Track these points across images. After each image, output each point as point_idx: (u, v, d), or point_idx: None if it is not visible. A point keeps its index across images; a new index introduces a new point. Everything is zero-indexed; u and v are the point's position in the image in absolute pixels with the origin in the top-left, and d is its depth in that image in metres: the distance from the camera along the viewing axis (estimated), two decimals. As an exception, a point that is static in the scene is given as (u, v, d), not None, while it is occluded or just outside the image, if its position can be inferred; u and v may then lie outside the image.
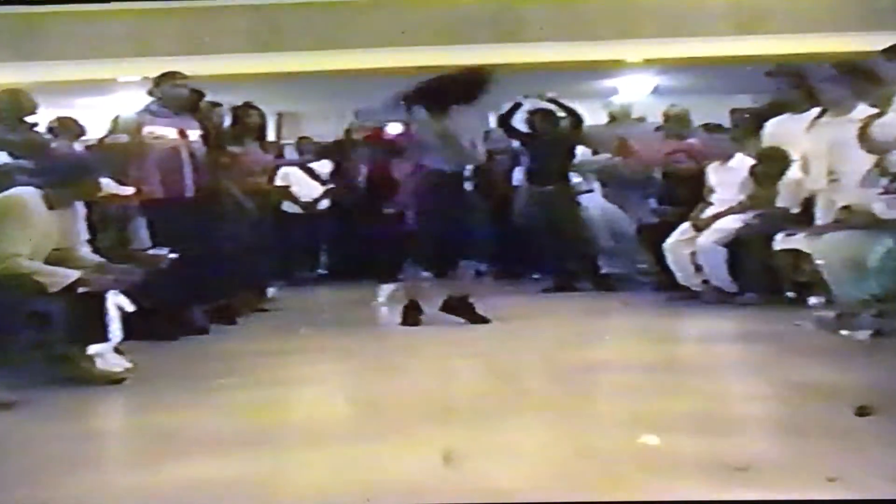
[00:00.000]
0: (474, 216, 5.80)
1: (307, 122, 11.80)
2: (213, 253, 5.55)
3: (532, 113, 7.64)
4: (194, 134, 5.67)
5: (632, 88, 10.49)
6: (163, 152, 5.48)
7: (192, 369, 4.60)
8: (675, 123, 7.38)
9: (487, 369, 4.44)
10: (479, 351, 4.92)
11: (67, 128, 6.73)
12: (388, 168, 8.62)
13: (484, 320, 5.59)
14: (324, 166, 8.66)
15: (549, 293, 7.32)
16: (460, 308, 5.62)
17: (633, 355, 4.70)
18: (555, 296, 7.18)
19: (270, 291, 7.06)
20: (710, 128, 7.22)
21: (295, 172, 8.25)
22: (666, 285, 6.62)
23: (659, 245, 6.49)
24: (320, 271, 8.85)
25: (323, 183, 8.49)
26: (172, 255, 4.88)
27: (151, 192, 5.40)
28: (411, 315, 5.66)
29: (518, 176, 8.14)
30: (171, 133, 5.53)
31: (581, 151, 7.68)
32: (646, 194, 7.51)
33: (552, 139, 7.50)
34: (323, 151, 8.89)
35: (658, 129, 7.63)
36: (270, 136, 8.85)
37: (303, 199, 8.26)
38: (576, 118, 7.54)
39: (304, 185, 8.29)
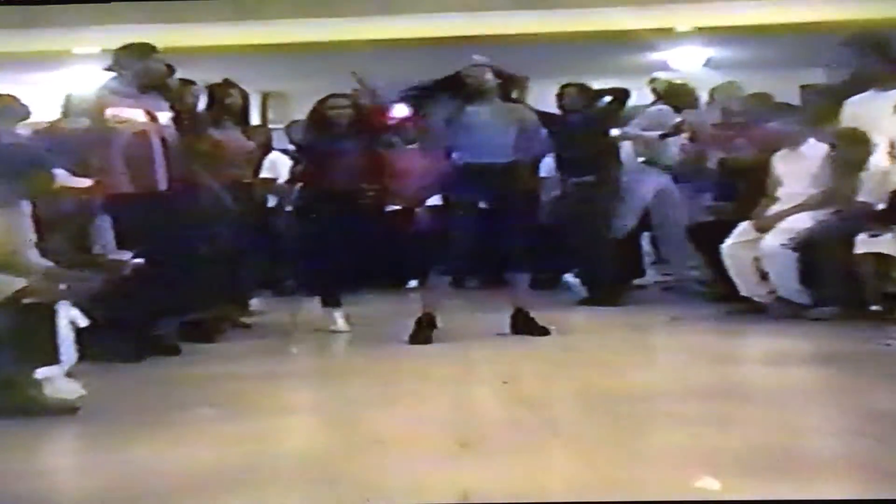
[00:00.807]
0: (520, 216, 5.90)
1: (297, 103, 11.78)
2: (187, 258, 5.59)
3: (565, 87, 7.60)
4: (164, 117, 5.67)
5: (682, 62, 10.44)
6: (129, 139, 5.49)
7: (159, 397, 4.60)
8: (725, 103, 7.39)
9: (512, 397, 4.44)
10: (501, 374, 4.95)
11: (8, 108, 6.67)
12: (392, 157, 8.63)
13: (544, 331, 5.81)
14: None
15: (586, 305, 7.32)
16: (526, 325, 5.82)
17: (684, 381, 4.68)
18: (592, 309, 7.19)
19: (254, 303, 7.10)
20: (777, 107, 7.24)
21: (284, 162, 8.25)
22: (723, 296, 6.63)
23: (715, 248, 6.47)
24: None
25: None
26: (137, 261, 4.90)
27: (117, 185, 5.41)
28: (423, 332, 5.69)
29: (547, 166, 8.19)
30: (138, 116, 5.53)
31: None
32: (698, 188, 7.52)
33: (587, 120, 7.47)
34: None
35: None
36: (254, 119, 8.75)
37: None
38: (619, 94, 7.50)
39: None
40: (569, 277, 8.02)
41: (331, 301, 6.33)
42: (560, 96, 7.61)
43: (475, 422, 4.09)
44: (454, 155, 5.76)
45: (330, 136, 6.39)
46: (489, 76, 5.88)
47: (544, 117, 7.48)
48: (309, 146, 6.70)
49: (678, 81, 8.32)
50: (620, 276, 7.54)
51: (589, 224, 7.38)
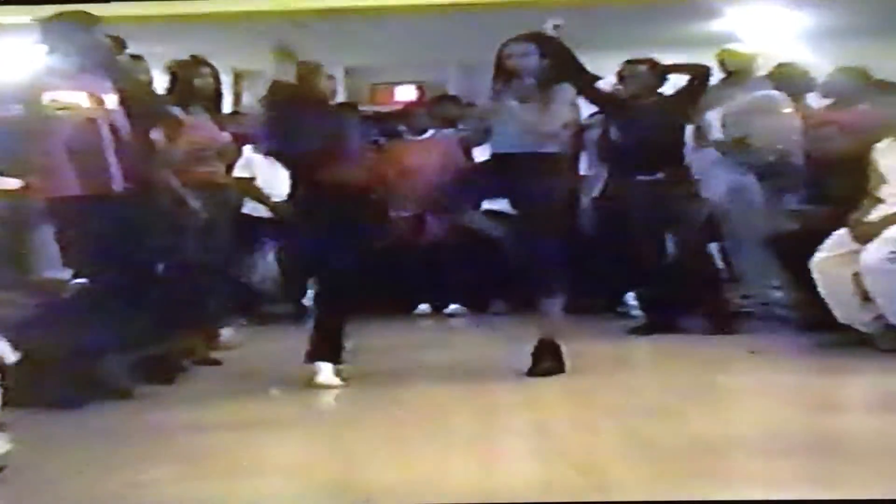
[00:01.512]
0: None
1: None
2: (142, 277, 5.61)
3: (630, 64, 7.59)
4: (111, 101, 5.67)
5: (756, 30, 10.32)
6: (74, 129, 5.51)
7: (105, 453, 4.56)
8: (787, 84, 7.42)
9: (549, 449, 4.43)
10: (534, 420, 4.94)
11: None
12: (398, 151, 8.61)
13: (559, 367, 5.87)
14: None
15: (641, 334, 7.30)
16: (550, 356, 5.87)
17: (768, 432, 4.60)
18: (649, 339, 7.19)
19: (226, 334, 7.12)
20: (878, 86, 7.22)
21: (263, 158, 8.24)
22: (815, 323, 6.63)
23: (802, 263, 6.41)
24: (303, 302, 8.85)
25: None
26: (80, 281, 5.01)
27: (60, 186, 5.44)
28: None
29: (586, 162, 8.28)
30: (82, 100, 5.55)
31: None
32: (778, 187, 7.49)
33: (658, 104, 7.46)
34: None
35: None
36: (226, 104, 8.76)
37: (274, 198, 8.27)
38: (698, 72, 7.45)
39: (275, 177, 8.16)
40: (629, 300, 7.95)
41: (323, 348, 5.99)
42: (623, 76, 7.59)
43: (501, 480, 4.06)
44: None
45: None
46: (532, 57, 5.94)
47: (603, 101, 7.56)
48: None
49: (749, 54, 8.27)
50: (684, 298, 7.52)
51: (656, 233, 7.36)
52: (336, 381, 5.77)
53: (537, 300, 6.00)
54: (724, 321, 7.22)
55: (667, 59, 7.71)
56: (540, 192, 5.83)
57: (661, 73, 7.58)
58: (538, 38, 6.05)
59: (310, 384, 5.75)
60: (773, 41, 10.16)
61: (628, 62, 7.58)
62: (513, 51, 5.99)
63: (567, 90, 6.04)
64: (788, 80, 7.79)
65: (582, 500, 3.30)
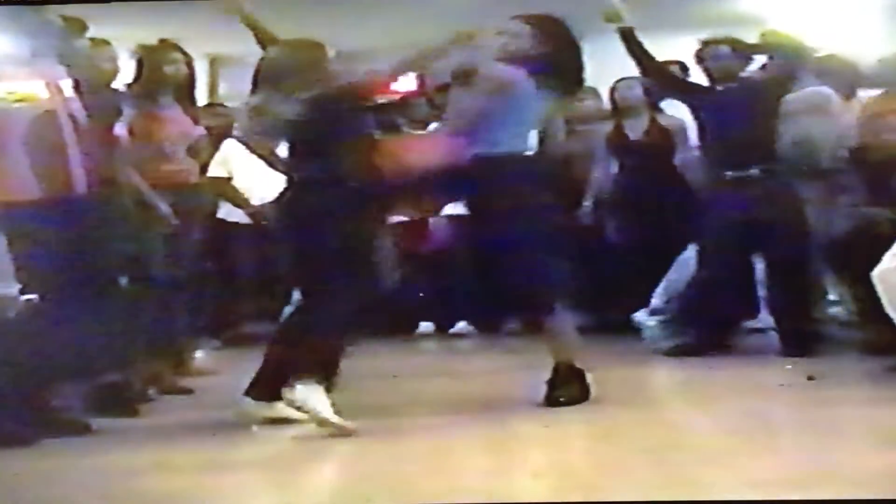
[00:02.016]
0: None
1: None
2: (102, 292, 5.55)
3: (709, 44, 7.60)
4: (67, 88, 5.66)
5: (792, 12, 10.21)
6: (32, 122, 5.50)
7: (58, 497, 4.52)
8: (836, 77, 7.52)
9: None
10: (551, 462, 4.90)
11: None
12: (395, 146, 8.58)
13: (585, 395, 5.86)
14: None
15: (682, 356, 7.29)
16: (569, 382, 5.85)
17: (837, 476, 4.47)
18: (687, 362, 7.18)
19: (198, 358, 7.19)
20: None
21: (242, 155, 8.45)
22: (881, 345, 6.56)
23: (863, 275, 6.27)
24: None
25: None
26: (29, 297, 5.08)
27: (16, 188, 5.43)
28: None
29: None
30: (40, 90, 5.55)
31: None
32: (832, 187, 7.50)
33: (746, 90, 7.44)
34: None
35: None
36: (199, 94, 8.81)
37: (255, 201, 8.39)
38: (792, 52, 7.45)
39: (256, 177, 8.39)
40: (641, 317, 7.83)
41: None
42: (702, 58, 7.61)
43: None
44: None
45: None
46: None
47: (682, 88, 7.68)
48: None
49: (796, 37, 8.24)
50: (727, 314, 7.57)
51: (745, 240, 7.34)
52: (336, 417, 5.38)
53: (537, 320, 5.99)
54: (803, 343, 7.19)
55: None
56: (493, 195, 5.79)
57: (747, 54, 7.60)
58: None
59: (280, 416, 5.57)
60: (812, 26, 10.14)
61: (706, 42, 7.59)
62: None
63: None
64: (837, 73, 7.82)
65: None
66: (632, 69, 8.01)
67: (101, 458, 5.15)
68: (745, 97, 7.36)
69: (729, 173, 7.35)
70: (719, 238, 7.35)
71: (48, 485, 4.73)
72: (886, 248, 6.20)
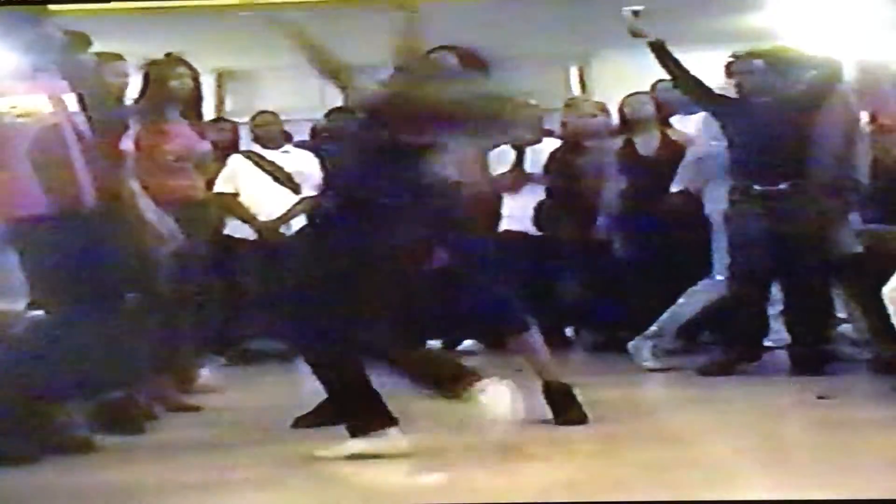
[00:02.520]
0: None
1: (267, 87, 11.74)
2: (107, 309, 5.50)
3: (739, 58, 7.65)
4: (71, 102, 5.61)
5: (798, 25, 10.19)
6: (38, 137, 5.45)
7: None
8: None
9: None
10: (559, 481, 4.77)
11: None
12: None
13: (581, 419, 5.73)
14: (300, 162, 8.78)
15: (719, 374, 7.31)
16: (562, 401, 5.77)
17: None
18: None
19: (204, 375, 7.13)
20: None
21: (249, 171, 8.51)
22: (891, 363, 6.56)
23: (873, 293, 6.28)
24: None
25: (297, 190, 8.60)
26: (34, 313, 5.00)
27: (25, 203, 5.38)
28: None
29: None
30: (43, 104, 5.49)
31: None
32: (846, 203, 7.49)
33: (779, 104, 7.42)
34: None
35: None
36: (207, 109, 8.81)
37: (262, 217, 8.41)
38: (829, 66, 7.44)
39: (264, 193, 8.50)
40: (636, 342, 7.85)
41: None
42: (733, 72, 7.66)
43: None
44: None
45: None
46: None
47: (714, 100, 7.62)
48: None
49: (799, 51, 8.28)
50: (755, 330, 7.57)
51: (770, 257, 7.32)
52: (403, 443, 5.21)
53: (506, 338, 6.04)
54: (815, 361, 7.19)
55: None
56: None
57: (781, 67, 7.56)
58: None
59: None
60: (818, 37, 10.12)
61: (738, 56, 7.62)
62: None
63: None
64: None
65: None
66: (640, 84, 8.05)
67: (105, 476, 5.09)
68: (777, 111, 7.34)
69: (757, 188, 7.34)
70: (743, 253, 7.36)
71: (51, 502, 4.70)
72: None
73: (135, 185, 6.27)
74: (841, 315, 7.68)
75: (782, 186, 7.28)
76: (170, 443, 5.79)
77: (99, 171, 5.55)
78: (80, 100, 5.63)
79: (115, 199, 5.77)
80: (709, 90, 7.61)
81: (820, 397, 6.29)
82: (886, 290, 6.23)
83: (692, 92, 7.68)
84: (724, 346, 7.58)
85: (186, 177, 6.81)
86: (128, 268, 5.86)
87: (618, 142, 8.45)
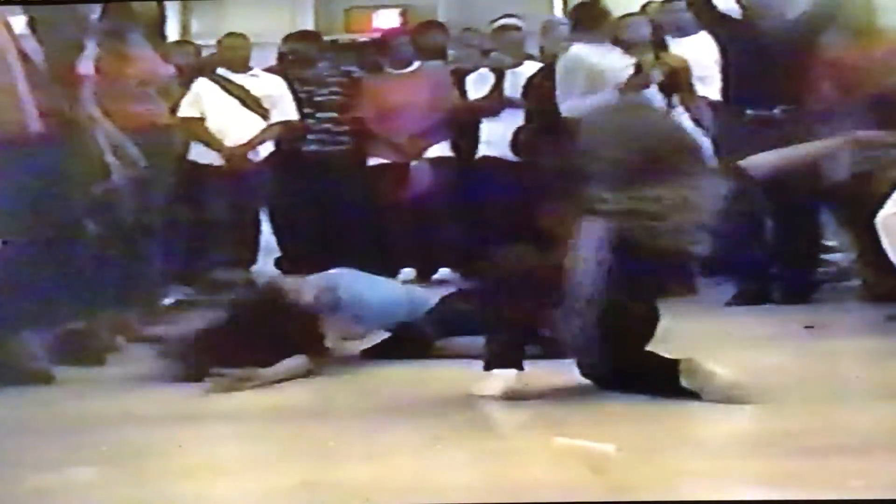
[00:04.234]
0: None
1: (236, 8, 11.67)
2: (67, 238, 5.61)
3: None
4: (20, 24, 5.72)
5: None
6: None
7: (16, 449, 4.50)
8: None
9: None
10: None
11: None
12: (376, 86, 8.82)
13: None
14: (269, 86, 8.73)
15: (741, 304, 7.33)
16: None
17: (831, 430, 4.43)
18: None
19: (168, 304, 7.24)
20: None
21: (215, 96, 8.45)
22: (883, 292, 6.58)
23: (865, 220, 6.17)
24: (258, 268, 8.88)
25: (266, 115, 8.59)
26: None
27: None
28: None
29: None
30: None
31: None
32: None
33: (783, 28, 7.39)
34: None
35: None
36: (171, 32, 9.03)
37: (228, 143, 8.39)
38: None
39: (230, 118, 8.47)
40: None
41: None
42: None
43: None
44: None
45: None
46: None
47: (719, 21, 7.55)
48: None
49: None
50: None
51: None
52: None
53: None
54: (800, 289, 7.27)
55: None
56: None
57: None
58: None
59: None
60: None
61: None
62: None
63: None
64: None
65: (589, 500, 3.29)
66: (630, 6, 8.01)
67: (66, 408, 5.15)
68: (781, 35, 7.34)
69: (749, 112, 7.37)
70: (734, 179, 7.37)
71: (9, 436, 4.68)
72: (891, 192, 6.30)
73: (95, 111, 6.26)
74: (831, 243, 7.74)
75: (776, 112, 7.31)
76: (131, 375, 5.80)
77: (50, 97, 5.61)
78: (31, 22, 5.67)
79: (70, 126, 5.82)
80: (715, 9, 7.59)
81: (807, 327, 6.35)
82: (879, 218, 6.24)
83: (700, 10, 7.67)
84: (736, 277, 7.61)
85: (149, 102, 6.86)
86: (87, 196, 5.95)
87: None
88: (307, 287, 5.84)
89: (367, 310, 5.87)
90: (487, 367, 5.03)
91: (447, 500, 3.58)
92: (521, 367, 4.99)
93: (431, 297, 6.19)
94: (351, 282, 5.98)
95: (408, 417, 4.84)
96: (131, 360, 6.11)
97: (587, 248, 4.69)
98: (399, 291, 6.22)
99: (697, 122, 7.91)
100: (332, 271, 6.07)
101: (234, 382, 5.31)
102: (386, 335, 5.98)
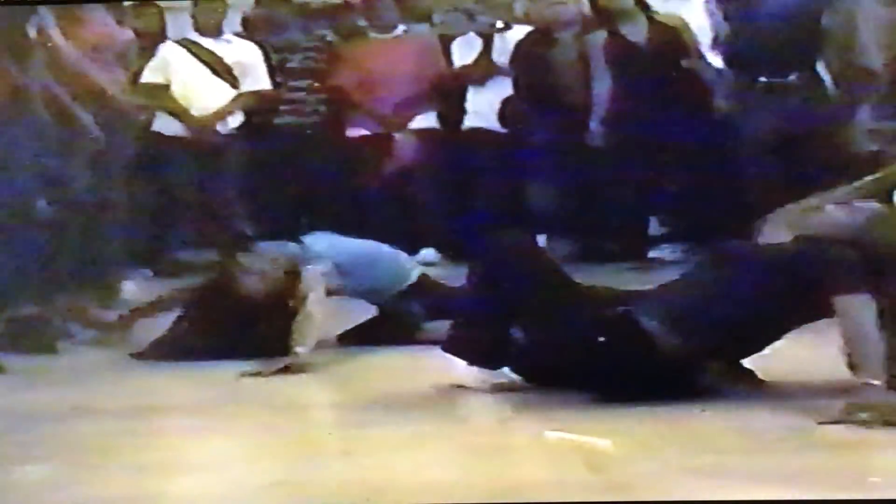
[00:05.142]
0: None
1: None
2: (17, 218, 5.71)
3: None
4: None
5: None
6: None
7: None
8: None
9: None
10: None
11: None
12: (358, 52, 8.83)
13: None
14: (241, 53, 8.74)
15: None
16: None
17: None
18: None
19: (128, 288, 7.09)
20: None
21: (182, 60, 8.44)
22: None
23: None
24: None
25: (236, 83, 8.59)
26: None
27: None
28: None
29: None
30: None
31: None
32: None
33: None
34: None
35: None
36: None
37: (195, 113, 8.38)
38: None
39: (198, 86, 8.46)
40: None
41: None
42: None
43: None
44: None
45: None
46: None
47: None
48: None
49: None
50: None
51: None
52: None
53: None
54: None
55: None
56: None
57: None
58: None
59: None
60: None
61: None
62: None
63: None
64: None
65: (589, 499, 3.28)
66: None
67: (15, 399, 5.14)
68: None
69: (763, 79, 7.39)
70: (746, 150, 7.40)
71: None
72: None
73: (47, 80, 6.23)
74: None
75: (791, 78, 7.31)
76: (87, 364, 5.80)
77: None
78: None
79: (17, 95, 5.84)
80: None
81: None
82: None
83: None
84: None
85: (106, 69, 6.80)
86: (40, 171, 5.97)
87: (600, 34, 8.34)
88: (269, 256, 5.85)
89: (346, 257, 5.88)
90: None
91: (430, 500, 3.59)
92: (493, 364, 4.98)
93: (416, 269, 6.18)
94: (321, 237, 6.05)
95: (389, 411, 4.82)
96: (88, 348, 6.10)
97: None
98: (382, 248, 6.19)
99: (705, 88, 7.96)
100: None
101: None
102: (368, 317, 5.98)
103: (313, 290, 5.63)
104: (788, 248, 4.64)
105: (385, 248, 6.18)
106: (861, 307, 4.38)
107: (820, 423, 4.28)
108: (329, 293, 5.71)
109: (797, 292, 4.50)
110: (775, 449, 4.17)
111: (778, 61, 7.35)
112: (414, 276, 6.03)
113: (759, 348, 4.73)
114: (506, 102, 8.51)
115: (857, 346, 4.35)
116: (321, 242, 5.98)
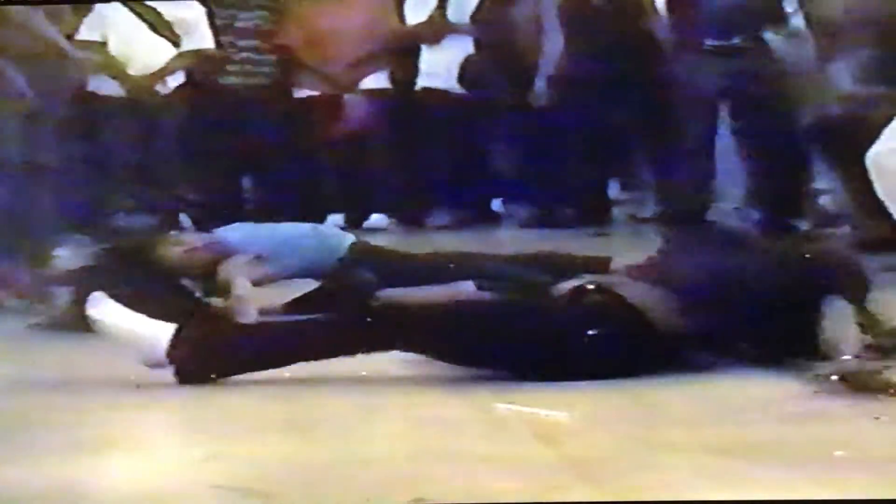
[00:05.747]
0: None
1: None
2: None
3: None
4: None
5: None
6: None
7: None
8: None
9: None
10: None
11: None
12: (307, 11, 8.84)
13: None
14: (184, 10, 8.79)
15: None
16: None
17: None
18: None
19: (63, 256, 7.07)
20: None
21: (120, 17, 8.48)
22: (874, 237, 6.70)
23: (855, 159, 6.14)
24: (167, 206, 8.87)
25: (178, 42, 8.59)
26: None
27: None
28: None
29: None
30: None
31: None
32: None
33: None
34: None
35: None
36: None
37: (133, 72, 8.34)
38: None
39: (136, 44, 8.44)
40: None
41: None
42: None
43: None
44: None
45: None
46: None
47: None
48: None
49: None
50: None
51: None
52: None
53: None
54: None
55: None
56: None
57: None
58: None
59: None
60: None
61: None
62: None
63: None
64: None
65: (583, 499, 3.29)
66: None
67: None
68: None
69: (710, 43, 7.43)
70: (695, 115, 7.42)
71: None
72: (881, 130, 6.32)
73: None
74: (821, 186, 7.81)
75: (736, 41, 7.36)
76: (18, 338, 5.80)
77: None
78: None
79: None
80: None
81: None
82: (870, 155, 6.24)
83: None
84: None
85: (37, 26, 6.76)
86: None
87: None
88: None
89: (264, 245, 5.94)
90: None
91: (375, 475, 3.57)
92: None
93: (346, 238, 6.19)
94: (239, 227, 6.16)
95: (334, 383, 4.82)
96: (16, 316, 6.12)
97: None
98: (300, 227, 6.30)
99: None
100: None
101: None
102: (314, 285, 5.97)
103: (237, 279, 5.72)
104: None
105: (304, 227, 6.30)
106: None
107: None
108: (255, 284, 5.76)
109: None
110: (741, 421, 4.17)
111: (725, 24, 7.47)
112: (346, 245, 6.02)
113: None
114: (466, 62, 8.53)
115: None
116: (235, 234, 6.06)
